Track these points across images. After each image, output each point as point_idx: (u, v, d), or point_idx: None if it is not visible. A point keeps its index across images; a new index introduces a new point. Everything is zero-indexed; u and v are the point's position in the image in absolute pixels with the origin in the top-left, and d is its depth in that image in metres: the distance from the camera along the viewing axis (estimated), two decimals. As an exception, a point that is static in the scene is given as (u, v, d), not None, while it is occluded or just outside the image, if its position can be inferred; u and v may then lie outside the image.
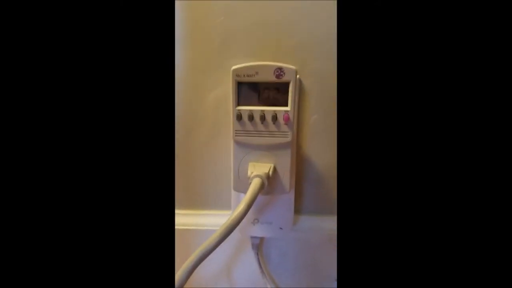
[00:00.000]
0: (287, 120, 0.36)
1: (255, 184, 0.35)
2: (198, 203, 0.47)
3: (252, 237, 0.46)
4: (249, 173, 0.37)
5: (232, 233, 0.33)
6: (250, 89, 0.37)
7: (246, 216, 0.34)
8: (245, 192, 0.36)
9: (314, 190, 0.45)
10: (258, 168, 0.37)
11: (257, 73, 0.36)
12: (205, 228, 0.46)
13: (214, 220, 0.47)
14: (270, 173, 0.37)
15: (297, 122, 0.41)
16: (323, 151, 0.43)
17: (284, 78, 0.36)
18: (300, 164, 0.43)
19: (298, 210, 0.46)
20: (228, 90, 0.37)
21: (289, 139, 0.37)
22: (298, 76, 0.37)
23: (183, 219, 0.47)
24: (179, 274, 0.30)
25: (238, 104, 0.37)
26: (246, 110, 0.37)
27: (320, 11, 0.37)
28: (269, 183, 0.37)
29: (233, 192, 0.43)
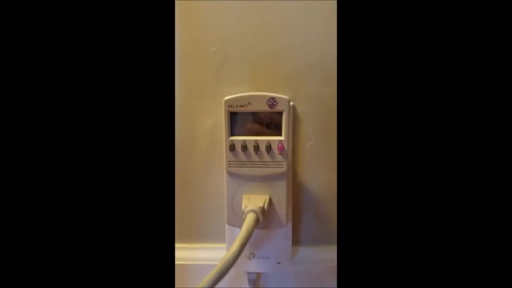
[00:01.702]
0: (281, 149, 0.36)
1: (249, 220, 0.33)
2: (192, 236, 0.45)
3: (249, 273, 0.44)
4: (243, 206, 0.36)
5: (227, 269, 0.31)
6: (243, 119, 0.36)
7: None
8: (239, 226, 0.35)
9: (312, 219, 0.44)
10: (253, 201, 0.36)
11: (249, 103, 0.35)
12: (200, 263, 0.44)
13: (209, 254, 0.45)
14: (265, 206, 0.36)
15: (293, 149, 0.41)
16: (320, 178, 0.42)
17: (278, 108, 0.35)
18: (298, 193, 0.42)
19: (296, 241, 0.44)
20: (222, 118, 0.36)
21: (284, 169, 0.36)
22: (292, 103, 0.37)
23: (176, 253, 0.45)
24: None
25: (231, 134, 0.36)
26: (239, 140, 0.36)
27: (313, 38, 0.37)
28: (265, 217, 0.36)
29: (227, 225, 0.42)
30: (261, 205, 0.35)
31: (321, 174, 0.42)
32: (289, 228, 0.41)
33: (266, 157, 0.36)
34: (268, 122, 0.36)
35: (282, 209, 0.38)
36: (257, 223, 0.34)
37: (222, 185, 0.40)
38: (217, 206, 0.43)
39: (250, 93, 0.35)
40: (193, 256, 0.45)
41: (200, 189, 0.43)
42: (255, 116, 0.36)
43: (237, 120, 0.36)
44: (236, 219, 0.38)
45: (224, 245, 0.44)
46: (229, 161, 0.37)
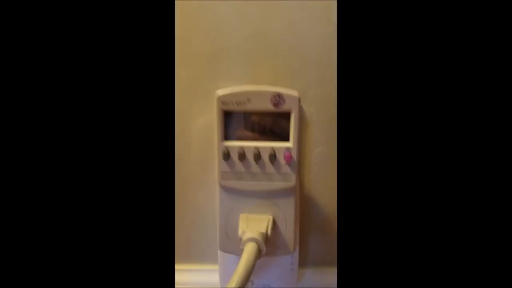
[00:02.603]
0: (289, 159, 0.30)
1: (249, 253, 0.26)
2: (179, 255, 0.41)
3: (246, 304, 0.38)
4: (240, 231, 0.30)
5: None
6: (241, 121, 0.31)
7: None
8: (235, 253, 0.30)
9: (321, 237, 0.40)
10: (253, 224, 0.30)
11: (249, 100, 0.29)
12: (188, 287, 0.41)
13: (199, 277, 0.41)
14: (269, 231, 0.30)
15: (299, 157, 0.36)
16: (330, 190, 0.38)
17: (284, 107, 0.30)
18: (304, 207, 0.38)
19: (303, 262, 0.41)
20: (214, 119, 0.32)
21: (292, 183, 0.31)
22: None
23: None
24: None
25: (226, 138, 0.31)
26: (236, 146, 0.30)
27: (323, 26, 0.33)
28: (268, 243, 0.30)
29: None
30: (264, 230, 0.29)
31: (331, 186, 0.38)
32: (296, 253, 0.36)
33: (270, 168, 0.31)
34: (272, 124, 0.31)
35: (289, 233, 0.32)
36: (259, 255, 0.27)
37: (214, 199, 0.35)
38: (209, 223, 0.39)
39: (250, 87, 0.30)
40: (181, 279, 0.41)
41: (189, 202, 0.39)
42: (256, 117, 0.31)
43: (233, 121, 0.31)
44: (231, 245, 0.33)
45: (216, 267, 0.39)
46: (222, 172, 0.31)
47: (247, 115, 0.30)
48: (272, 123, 0.30)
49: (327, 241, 0.40)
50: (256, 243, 0.27)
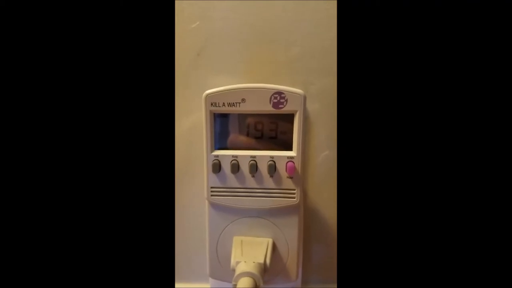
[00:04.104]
0: (292, 171, 0.27)
1: None
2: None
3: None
4: (232, 261, 0.26)
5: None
6: (234, 125, 0.27)
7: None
8: (228, 280, 0.26)
9: (325, 252, 0.38)
10: (248, 249, 0.27)
11: (244, 100, 0.26)
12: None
13: None
14: (268, 260, 0.26)
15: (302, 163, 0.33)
16: (335, 201, 0.36)
17: (287, 108, 0.26)
18: (307, 219, 0.36)
19: (305, 280, 0.38)
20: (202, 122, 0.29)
21: (295, 200, 0.27)
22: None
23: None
24: None
25: (216, 147, 0.27)
26: (228, 156, 0.27)
27: (327, 11, 0.31)
28: (267, 272, 0.26)
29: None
30: (261, 259, 0.25)
31: (336, 196, 0.35)
32: (299, 281, 0.32)
33: (269, 181, 0.27)
34: (272, 129, 0.27)
35: (292, 259, 0.28)
36: (255, 293, 0.23)
37: (203, 216, 0.31)
38: (199, 240, 0.35)
39: (245, 85, 0.26)
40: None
41: (176, 215, 0.36)
42: (252, 120, 0.27)
43: (225, 126, 0.27)
44: (222, 272, 0.29)
45: (207, 285, 0.36)
46: (212, 188, 0.28)
47: (241, 117, 0.26)
48: (271, 128, 0.26)
49: (333, 257, 0.37)
50: (252, 278, 0.23)
